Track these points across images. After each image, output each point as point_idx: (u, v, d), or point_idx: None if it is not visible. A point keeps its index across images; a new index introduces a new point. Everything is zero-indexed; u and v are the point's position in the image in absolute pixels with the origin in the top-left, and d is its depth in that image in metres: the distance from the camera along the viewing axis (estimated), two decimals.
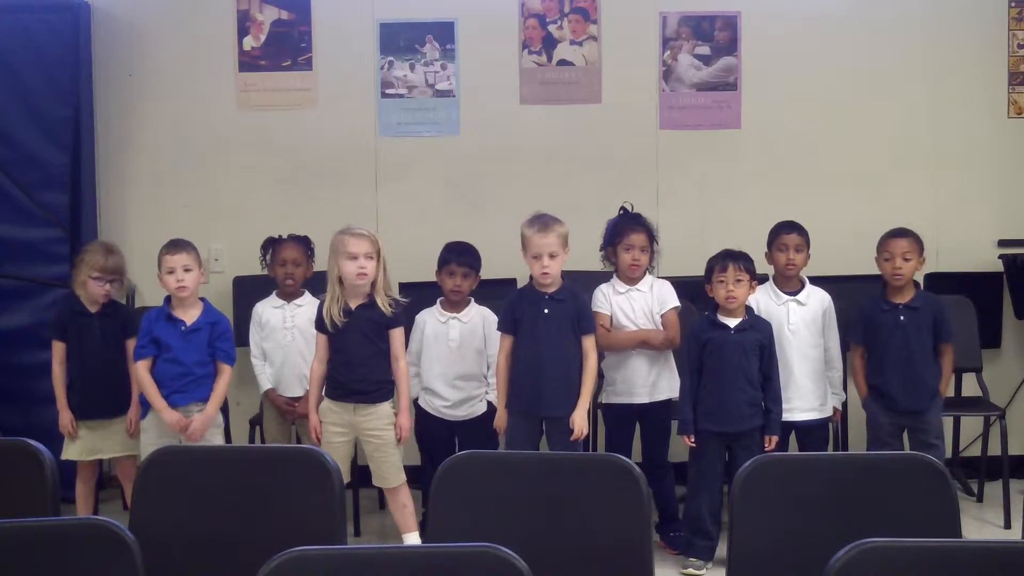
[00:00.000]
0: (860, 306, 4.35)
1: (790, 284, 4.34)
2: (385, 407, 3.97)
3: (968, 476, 4.97)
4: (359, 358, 3.92)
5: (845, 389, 4.52)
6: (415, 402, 4.39)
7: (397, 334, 3.98)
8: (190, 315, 4.09)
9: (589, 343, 4.02)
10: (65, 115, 4.91)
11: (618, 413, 4.33)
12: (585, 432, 4.03)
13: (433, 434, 4.39)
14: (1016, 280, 5.06)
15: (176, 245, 4.10)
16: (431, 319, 4.43)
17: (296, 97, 5.14)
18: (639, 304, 4.28)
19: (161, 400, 4.03)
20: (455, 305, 4.42)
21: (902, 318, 4.23)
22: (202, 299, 4.19)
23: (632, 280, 4.29)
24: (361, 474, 4.15)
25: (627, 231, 4.29)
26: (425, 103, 5.16)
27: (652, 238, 4.33)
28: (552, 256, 3.93)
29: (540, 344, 3.97)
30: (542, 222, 3.95)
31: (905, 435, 4.28)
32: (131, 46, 5.10)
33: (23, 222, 4.90)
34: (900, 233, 4.26)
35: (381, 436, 3.95)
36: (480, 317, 4.41)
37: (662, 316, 4.27)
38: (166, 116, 5.14)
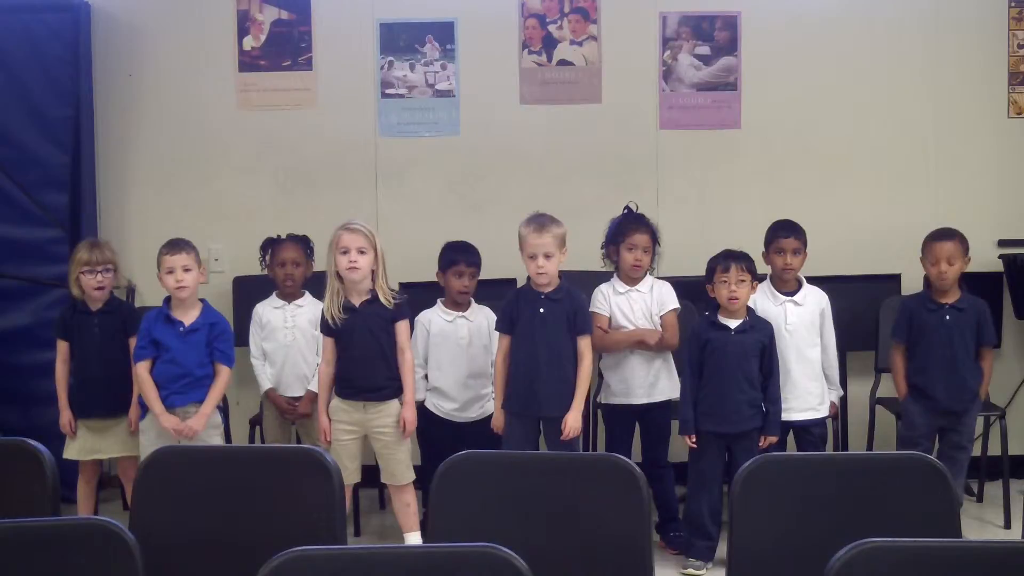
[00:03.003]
0: (904, 304, 4.35)
1: (788, 285, 4.33)
2: (394, 404, 3.97)
3: (968, 476, 4.96)
4: (367, 355, 3.93)
5: (845, 387, 4.52)
6: (421, 404, 4.37)
7: (402, 327, 3.98)
8: (189, 316, 4.09)
9: (585, 344, 4.00)
10: (65, 115, 4.91)
11: (617, 413, 4.32)
12: (576, 432, 3.98)
13: (437, 436, 4.33)
14: (1016, 280, 5.06)
15: (175, 245, 4.09)
16: (436, 319, 4.40)
17: (296, 97, 5.14)
18: (638, 305, 4.27)
19: (160, 404, 4.02)
20: (459, 304, 4.41)
21: (947, 318, 4.23)
22: (202, 300, 4.19)
23: (633, 280, 4.29)
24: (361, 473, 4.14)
25: (631, 231, 4.28)
26: (425, 103, 5.15)
27: (655, 239, 4.32)
28: (547, 256, 3.91)
29: (536, 344, 3.96)
30: (539, 222, 3.94)
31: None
32: (131, 46, 5.10)
33: (23, 222, 4.90)
34: (944, 236, 4.25)
35: (391, 434, 3.96)
36: (483, 315, 4.41)
37: (661, 318, 4.26)
38: (166, 116, 5.13)
